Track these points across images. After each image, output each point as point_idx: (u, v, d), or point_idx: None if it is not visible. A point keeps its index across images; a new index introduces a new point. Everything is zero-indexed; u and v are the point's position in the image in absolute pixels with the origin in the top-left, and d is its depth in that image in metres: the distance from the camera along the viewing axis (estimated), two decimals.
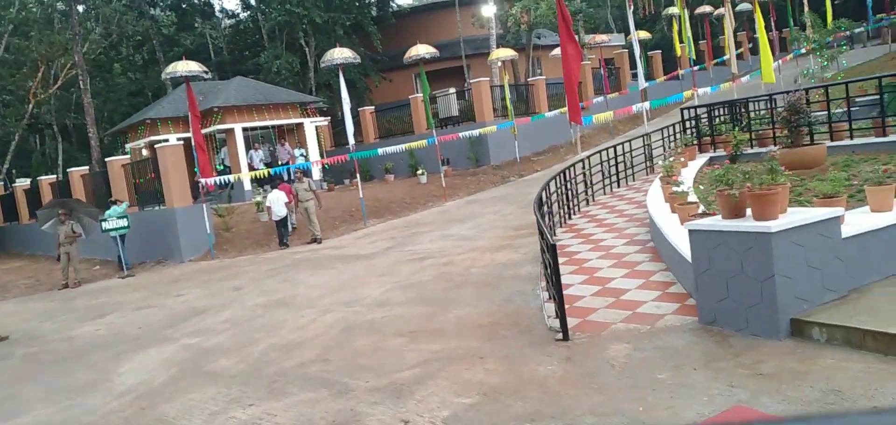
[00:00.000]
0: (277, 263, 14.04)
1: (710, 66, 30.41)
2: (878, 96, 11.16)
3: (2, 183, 27.29)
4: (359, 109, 29.08)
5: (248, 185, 22.60)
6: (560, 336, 6.63)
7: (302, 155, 25.01)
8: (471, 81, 25.00)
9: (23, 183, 25.58)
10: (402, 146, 20.58)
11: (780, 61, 25.02)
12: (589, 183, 13.81)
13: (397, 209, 19.24)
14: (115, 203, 16.58)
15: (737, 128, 12.08)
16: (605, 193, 14.12)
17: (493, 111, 24.79)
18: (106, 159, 19.98)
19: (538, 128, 24.34)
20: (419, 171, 22.33)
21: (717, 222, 6.31)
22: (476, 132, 21.63)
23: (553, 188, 11.54)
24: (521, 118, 23.46)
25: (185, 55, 39.06)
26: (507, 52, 22.70)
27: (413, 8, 42.19)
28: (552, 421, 4.93)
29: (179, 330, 9.46)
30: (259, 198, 18.16)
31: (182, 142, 18.36)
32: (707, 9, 32.96)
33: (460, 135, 21.51)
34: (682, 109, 14.47)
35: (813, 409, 4.66)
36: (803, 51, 21.29)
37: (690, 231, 6.56)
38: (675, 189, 8.73)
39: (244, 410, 6.03)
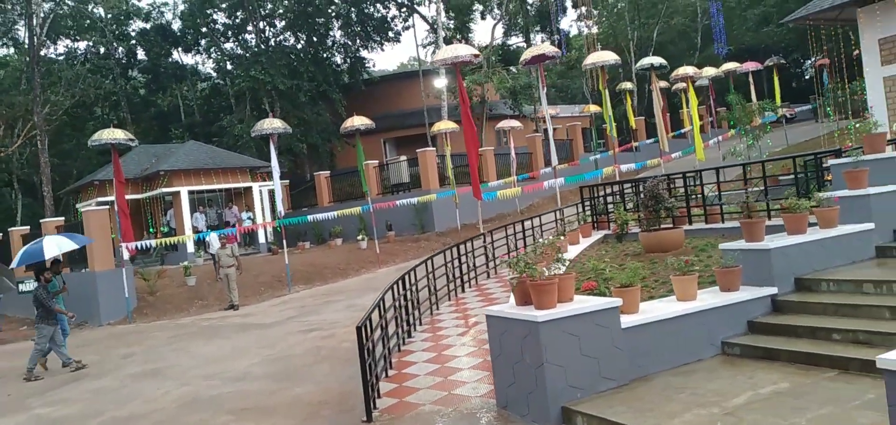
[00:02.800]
0: (183, 330, 14.16)
1: (666, 139, 31.18)
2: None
3: None
4: (315, 174, 29.57)
5: (190, 248, 22.84)
6: (365, 418, 6.79)
7: (249, 218, 25.33)
8: (417, 151, 25.49)
9: None
10: (342, 212, 20.93)
11: (720, 138, 25.68)
12: (492, 256, 14.08)
13: (329, 275, 19.43)
14: (56, 274, 15.19)
15: (623, 208, 12.42)
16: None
17: (440, 180, 25.22)
18: (41, 220, 20.19)
19: (486, 196, 24.77)
20: (360, 237, 22.60)
21: (505, 308, 6.56)
22: (414, 200, 21.98)
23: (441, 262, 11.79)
24: (465, 188, 23.90)
25: (157, 117, 39.94)
26: (449, 125, 23.27)
27: (383, 76, 43.22)
28: None
29: (43, 398, 9.56)
30: (186, 264, 18.35)
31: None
32: (663, 84, 33.86)
33: (398, 202, 21.87)
34: (581, 188, 14.84)
35: None
36: (739, 129, 21.91)
37: (487, 316, 6.80)
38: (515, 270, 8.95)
39: None
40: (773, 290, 7.22)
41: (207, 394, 8.56)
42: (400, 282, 9.70)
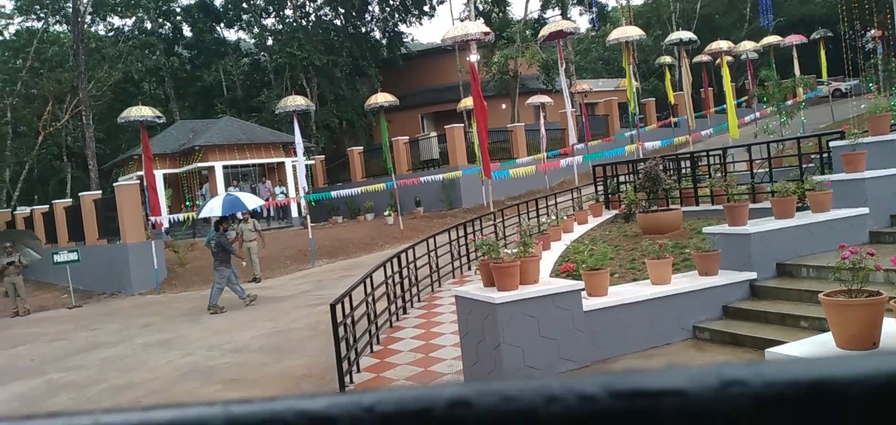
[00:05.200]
0: (204, 302, 14.67)
1: (710, 113, 30.43)
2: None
3: (10, 209, 28.93)
4: (349, 149, 29.99)
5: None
6: (337, 392, 7.01)
7: (282, 192, 25.91)
8: (445, 127, 25.56)
9: (30, 208, 27.08)
10: (369, 188, 21.25)
11: (758, 114, 24.92)
12: (503, 234, 14.12)
13: (353, 250, 19.78)
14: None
15: (631, 188, 12.29)
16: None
17: (467, 156, 25.26)
18: (80, 194, 21.10)
19: (498, 175, 24.78)
20: (386, 213, 22.88)
21: (470, 289, 6.65)
22: (439, 177, 22.11)
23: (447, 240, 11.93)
24: (494, 165, 23.89)
25: (202, 92, 40.95)
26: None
27: (421, 51, 43.25)
28: None
29: (60, 364, 10.12)
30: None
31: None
32: (705, 58, 32.96)
33: (423, 179, 22.02)
34: (594, 167, 14.70)
35: None
36: (778, 105, 21.23)
37: (455, 296, 6.91)
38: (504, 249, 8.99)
39: None
40: (753, 275, 7.12)
41: (205, 365, 8.93)
42: (395, 260, 9.88)
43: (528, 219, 14.75)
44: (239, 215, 17.88)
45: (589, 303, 6.42)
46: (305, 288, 14.62)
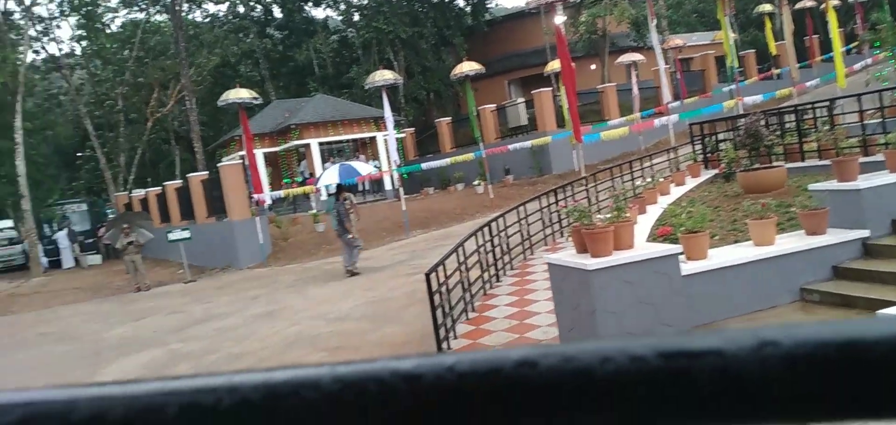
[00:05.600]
0: (307, 273, 15.37)
1: (815, 63, 28.59)
2: None
3: (127, 192, 31.09)
4: (437, 120, 30.26)
5: (324, 195, 24.38)
6: None
7: (375, 166, 26.52)
8: (532, 92, 25.29)
9: (145, 190, 29.06)
10: (458, 159, 21.41)
11: (869, 61, 23.18)
12: (595, 200, 13.93)
13: (445, 220, 20.07)
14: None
15: (731, 145, 11.79)
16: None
17: (557, 121, 24.92)
18: (188, 174, 22.42)
19: (588, 138, 24.29)
20: (476, 182, 23.01)
21: (563, 256, 6.66)
22: (528, 143, 21.97)
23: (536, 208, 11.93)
24: (585, 128, 23.47)
25: (294, 72, 42.27)
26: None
27: (506, 15, 42.76)
28: None
29: (179, 335, 10.91)
30: (315, 211, 19.69)
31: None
32: (809, 3, 30.88)
33: (512, 146, 21.95)
34: (690, 125, 14.17)
35: None
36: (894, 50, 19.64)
37: (548, 263, 6.93)
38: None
39: None
40: (865, 233, 6.75)
41: (310, 333, 9.40)
42: (487, 229, 9.98)
43: (622, 182, 14.46)
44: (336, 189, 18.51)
45: (688, 267, 6.30)
46: (401, 258, 15.00)
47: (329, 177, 15.18)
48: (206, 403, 0.35)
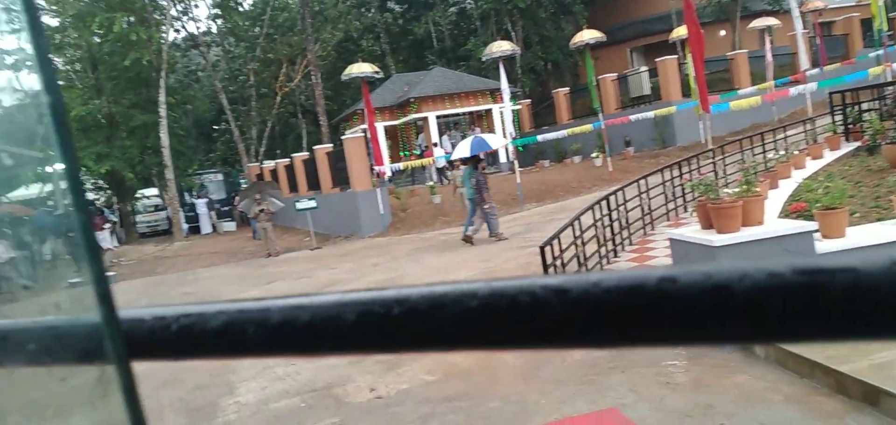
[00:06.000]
0: (425, 243, 15.73)
1: None
2: None
3: (258, 163, 33.03)
4: (554, 91, 29.81)
5: (443, 165, 24.76)
6: None
7: (505, 138, 26.57)
8: (656, 60, 24.29)
9: (274, 162, 30.79)
10: (575, 130, 21.04)
11: None
12: (723, 174, 13.26)
13: (560, 193, 19.84)
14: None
15: (876, 116, 10.81)
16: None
17: (682, 90, 23.85)
18: (313, 147, 23.46)
19: (715, 108, 23.03)
20: (594, 154, 22.51)
21: (686, 232, 6.41)
22: (650, 114, 21.19)
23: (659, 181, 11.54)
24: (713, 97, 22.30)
25: (414, 45, 42.94)
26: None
27: None
28: (465, 401, 5.74)
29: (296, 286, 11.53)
30: (432, 183, 20.04)
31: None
32: None
33: (633, 117, 21.27)
34: (830, 94, 13.08)
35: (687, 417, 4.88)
36: None
37: (670, 239, 6.69)
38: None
39: (286, 367, 7.67)
40: None
41: None
42: (604, 202, 9.78)
43: (753, 155, 13.67)
44: (453, 163, 18.72)
45: (823, 246, 5.89)
46: (515, 230, 15.00)
47: (462, 149, 15.55)
48: (378, 311, 0.41)
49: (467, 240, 13.95)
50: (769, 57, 22.15)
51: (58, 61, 29.73)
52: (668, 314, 0.35)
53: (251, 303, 0.45)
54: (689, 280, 0.35)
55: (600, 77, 26.27)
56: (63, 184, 0.49)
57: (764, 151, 13.70)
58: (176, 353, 0.47)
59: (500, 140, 16.77)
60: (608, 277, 0.36)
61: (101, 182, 33.15)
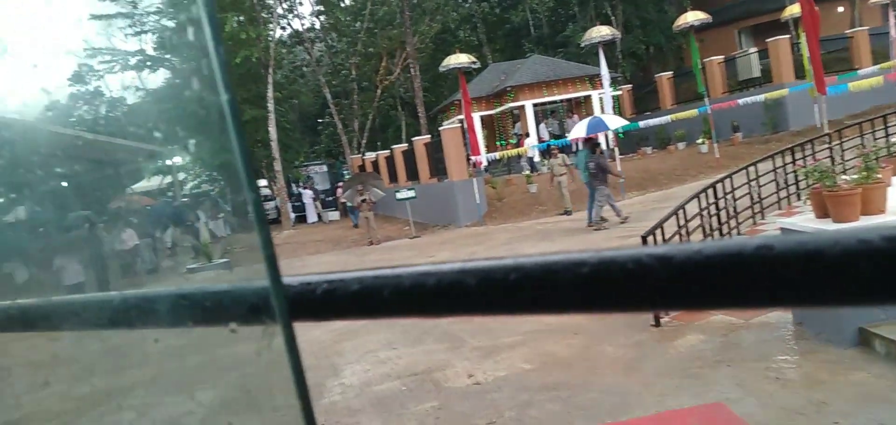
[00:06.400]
0: (520, 232, 15.72)
1: None
2: None
3: (360, 155, 34.00)
4: (657, 75, 28.87)
5: (537, 157, 24.61)
6: (653, 323, 7.06)
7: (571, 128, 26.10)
8: (767, 40, 23.01)
9: (375, 153, 31.63)
10: (678, 115, 20.31)
11: None
12: (841, 160, 12.44)
13: (663, 181, 19.26)
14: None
15: None
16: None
17: (795, 71, 22.49)
18: (412, 138, 23.87)
19: (832, 90, 21.54)
20: (699, 140, 21.65)
21: (798, 220, 6.09)
22: (760, 97, 20.13)
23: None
24: (830, 79, 20.91)
25: (510, 33, 42.76)
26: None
27: None
28: (563, 391, 5.73)
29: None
30: (527, 173, 19.95)
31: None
32: None
33: (741, 101, 20.29)
34: None
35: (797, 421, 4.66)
36: None
37: (781, 228, 6.38)
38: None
39: (387, 352, 7.91)
40: None
41: None
42: (711, 190, 9.43)
43: (874, 139, 12.74)
44: (550, 150, 18.57)
45: None
46: (616, 219, 14.69)
47: (578, 131, 15.42)
48: (496, 277, 0.47)
49: (596, 226, 13.70)
50: (893, 33, 20.48)
51: (175, 61, 31.70)
52: (765, 278, 0.38)
53: (385, 270, 0.53)
54: (785, 247, 0.38)
55: (706, 60, 25.21)
56: (238, 166, 0.57)
57: (886, 135, 12.79)
58: (321, 314, 0.56)
59: (618, 120, 16.41)
60: (710, 245, 0.40)
61: (215, 174, 35.14)
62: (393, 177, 26.18)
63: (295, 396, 0.60)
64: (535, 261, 0.46)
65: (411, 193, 18.84)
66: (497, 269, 0.47)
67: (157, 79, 31.20)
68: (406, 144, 26.37)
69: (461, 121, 21.20)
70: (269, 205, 36.07)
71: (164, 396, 6.97)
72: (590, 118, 16.14)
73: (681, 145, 24.29)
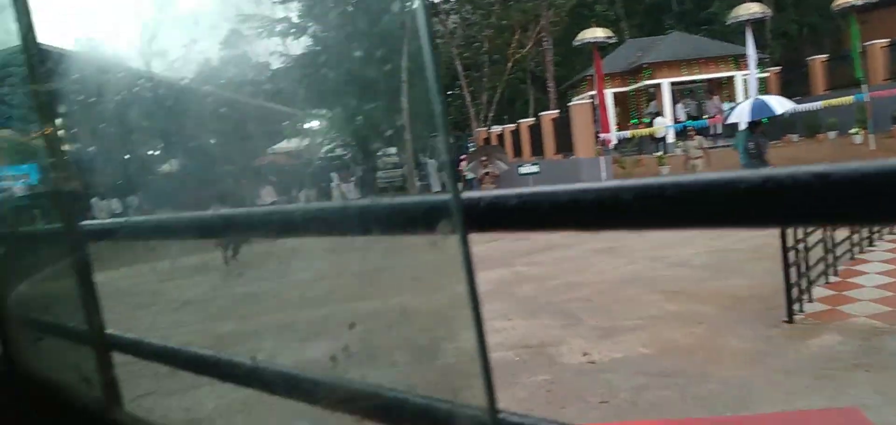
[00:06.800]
0: None
1: None
2: None
3: (487, 128, 34.21)
4: (809, 58, 26.84)
5: (671, 138, 23.71)
6: (785, 318, 6.71)
7: (731, 109, 24.72)
8: None
9: (501, 127, 31.79)
10: (830, 102, 18.83)
11: None
12: None
13: None
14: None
15: None
16: None
17: None
18: (539, 113, 23.69)
19: None
20: (853, 131, 19.96)
21: None
22: None
23: None
24: None
25: (650, 9, 41.18)
26: None
27: None
28: (681, 378, 5.61)
29: (524, 259, 11.88)
30: (660, 154, 19.28)
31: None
32: None
33: None
34: None
35: None
36: None
37: None
38: None
39: (502, 322, 8.04)
40: None
41: (647, 274, 9.44)
42: None
43: None
44: (686, 132, 17.85)
45: None
46: None
47: (739, 113, 14.86)
48: (654, 193, 0.52)
49: None
50: None
51: (317, 28, 33.14)
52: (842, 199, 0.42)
53: (543, 188, 0.58)
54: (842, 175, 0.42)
55: (867, 43, 23.11)
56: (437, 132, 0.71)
57: None
58: (486, 226, 0.64)
59: (784, 103, 15.50)
60: (868, 165, 0.43)
61: (349, 139, 36.62)
62: (517, 151, 26.19)
63: (467, 300, 0.68)
64: (692, 179, 0.49)
65: (535, 168, 18.79)
66: (656, 185, 0.51)
67: (299, 45, 32.88)
68: (533, 119, 26.24)
69: (592, 97, 20.76)
70: (397, 172, 37.15)
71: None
72: (753, 100, 15.28)
73: (831, 134, 22.50)
